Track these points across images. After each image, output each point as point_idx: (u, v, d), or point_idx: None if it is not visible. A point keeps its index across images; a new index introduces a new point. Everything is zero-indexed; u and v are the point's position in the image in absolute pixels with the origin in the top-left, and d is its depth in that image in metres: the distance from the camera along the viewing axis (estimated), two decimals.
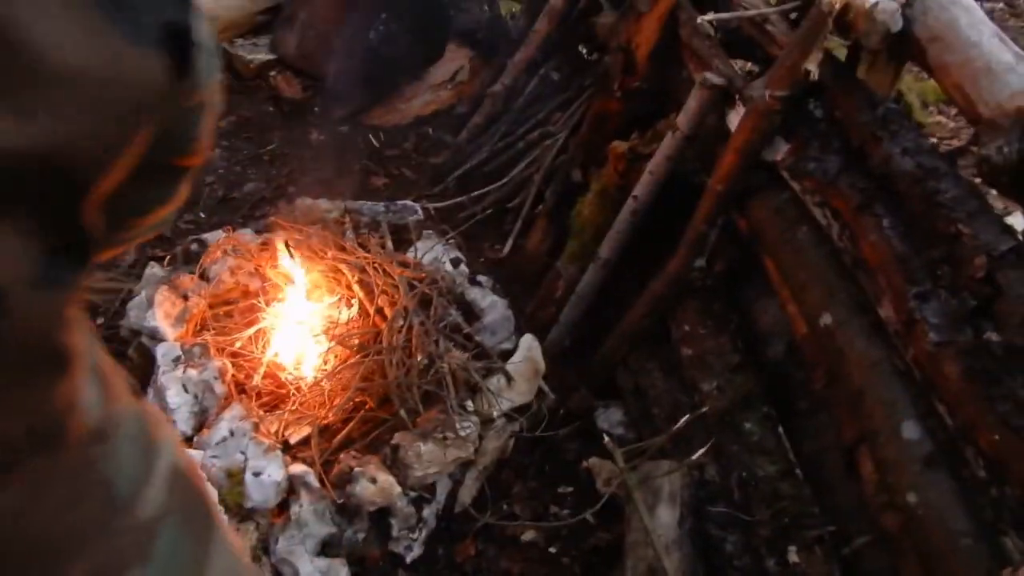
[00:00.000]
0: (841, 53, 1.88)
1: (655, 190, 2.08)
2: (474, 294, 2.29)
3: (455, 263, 2.47)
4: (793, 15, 1.82)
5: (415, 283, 2.16)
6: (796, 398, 1.88)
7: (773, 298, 1.96)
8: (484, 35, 3.64)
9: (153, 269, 2.34)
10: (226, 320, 2.21)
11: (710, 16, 1.79)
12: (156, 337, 2.06)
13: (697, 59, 2.07)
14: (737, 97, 1.85)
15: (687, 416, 1.71)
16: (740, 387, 1.87)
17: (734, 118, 1.89)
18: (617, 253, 2.21)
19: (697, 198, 2.13)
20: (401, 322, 2.02)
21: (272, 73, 3.45)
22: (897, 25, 1.59)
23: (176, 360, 1.97)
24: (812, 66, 1.66)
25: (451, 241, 2.58)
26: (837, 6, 1.58)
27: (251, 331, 2.12)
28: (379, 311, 2.12)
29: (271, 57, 3.47)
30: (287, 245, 2.12)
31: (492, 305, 2.27)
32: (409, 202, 2.67)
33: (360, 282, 2.20)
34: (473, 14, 3.72)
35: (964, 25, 1.52)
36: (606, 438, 1.77)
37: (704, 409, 1.79)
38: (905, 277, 1.45)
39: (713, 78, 1.88)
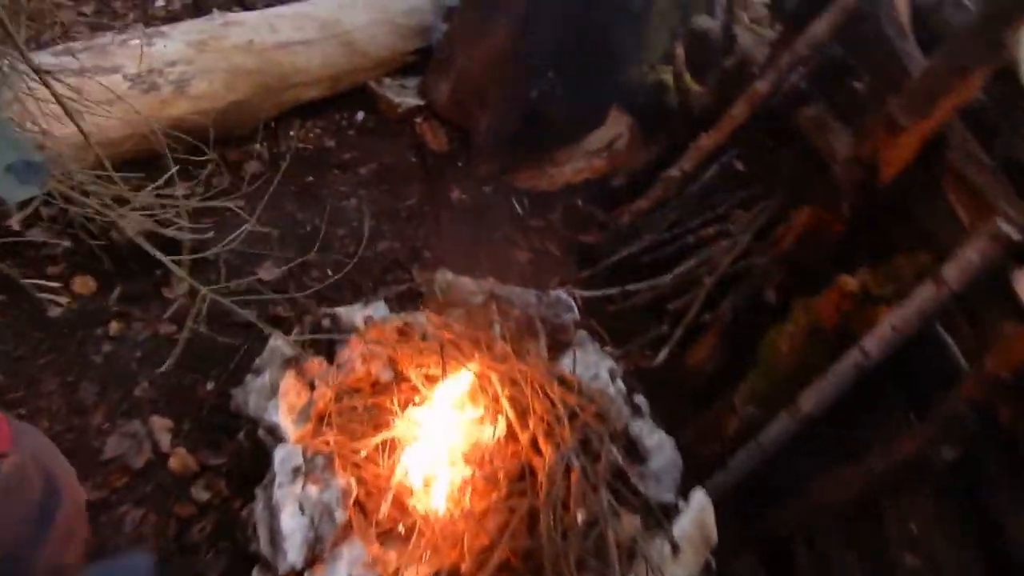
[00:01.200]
0: None
1: (893, 348, 1.68)
2: (638, 428, 1.92)
3: (611, 375, 2.11)
4: None
5: (577, 410, 1.82)
6: None
7: None
8: (646, 104, 3.30)
9: (277, 342, 2.07)
10: (351, 415, 1.91)
11: None
12: (275, 434, 1.78)
13: (969, 193, 1.67)
14: None
15: None
16: None
17: None
18: (825, 410, 1.81)
19: (935, 354, 1.74)
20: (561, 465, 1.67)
21: (418, 119, 3.21)
22: None
23: (296, 471, 1.68)
24: None
25: (606, 347, 2.23)
26: None
27: (379, 438, 1.82)
28: (532, 440, 1.78)
29: (419, 102, 3.23)
30: (441, 349, 1.82)
31: (659, 445, 1.89)
32: (563, 294, 2.34)
33: (509, 396, 1.87)
34: (634, 78, 3.37)
35: None
36: None
37: None
38: None
39: (1009, 229, 1.48)
